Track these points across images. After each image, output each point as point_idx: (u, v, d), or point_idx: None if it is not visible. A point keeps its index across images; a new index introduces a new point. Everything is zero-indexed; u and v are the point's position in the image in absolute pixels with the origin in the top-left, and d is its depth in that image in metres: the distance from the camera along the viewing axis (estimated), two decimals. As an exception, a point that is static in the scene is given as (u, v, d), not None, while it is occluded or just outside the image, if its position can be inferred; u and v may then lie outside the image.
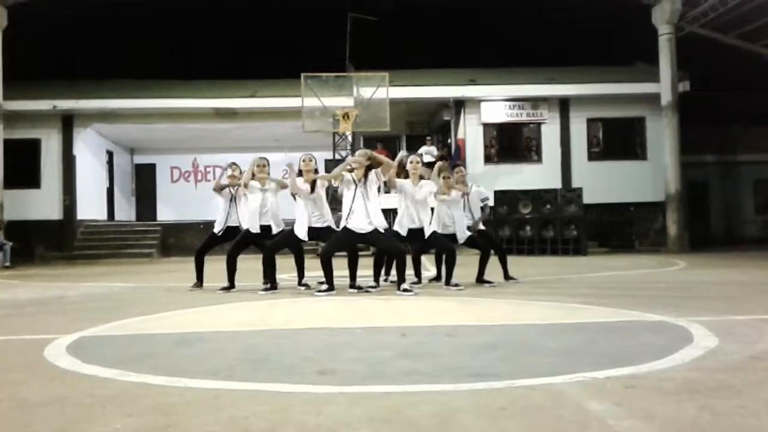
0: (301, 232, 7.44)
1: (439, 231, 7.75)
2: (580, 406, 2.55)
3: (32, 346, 4.13)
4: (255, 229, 7.70)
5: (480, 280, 8.02)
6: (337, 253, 7.32)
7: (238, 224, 8.13)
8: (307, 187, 7.39)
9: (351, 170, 7.14)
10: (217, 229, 8.18)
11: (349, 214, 7.05)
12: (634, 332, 4.33)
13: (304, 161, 7.58)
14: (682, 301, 5.96)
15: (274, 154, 8.18)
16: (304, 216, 7.45)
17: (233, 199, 8.20)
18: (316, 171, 7.63)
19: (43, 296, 7.79)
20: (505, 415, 2.46)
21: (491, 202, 10.32)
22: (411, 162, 7.72)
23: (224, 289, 7.62)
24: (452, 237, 7.89)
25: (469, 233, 7.99)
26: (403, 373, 3.18)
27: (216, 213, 8.34)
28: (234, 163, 8.47)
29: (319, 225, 7.47)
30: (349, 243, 7.36)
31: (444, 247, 7.72)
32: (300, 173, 7.52)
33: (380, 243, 7.26)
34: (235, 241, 7.96)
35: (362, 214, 7.01)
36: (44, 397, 2.85)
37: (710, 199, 22.39)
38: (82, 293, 8.10)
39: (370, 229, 7.01)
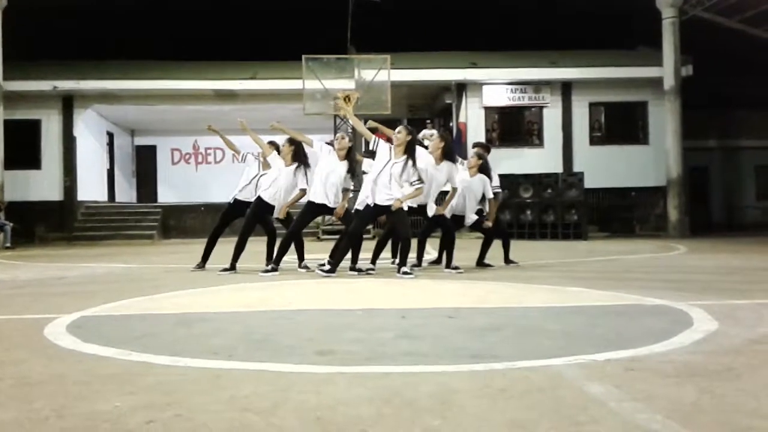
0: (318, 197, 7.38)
1: (448, 213, 7.75)
2: (580, 388, 2.55)
3: (33, 325, 4.14)
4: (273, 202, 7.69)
5: (480, 263, 8.03)
6: (329, 237, 7.30)
7: (251, 199, 8.02)
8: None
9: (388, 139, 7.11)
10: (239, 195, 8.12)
11: (373, 187, 6.98)
12: (634, 316, 4.34)
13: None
14: (682, 285, 5.97)
15: (278, 137, 8.09)
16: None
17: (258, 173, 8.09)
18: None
19: (43, 276, 7.80)
20: (504, 397, 2.46)
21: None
22: (432, 140, 7.63)
23: (225, 270, 7.62)
24: (461, 219, 7.88)
25: (476, 217, 7.95)
26: (403, 354, 3.18)
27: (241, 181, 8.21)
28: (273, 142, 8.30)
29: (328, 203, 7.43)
30: (374, 217, 7.39)
31: (444, 228, 7.70)
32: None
33: (395, 218, 7.16)
34: (249, 217, 7.82)
35: (385, 188, 6.95)
36: (45, 376, 2.86)
37: (711, 185, 22.36)
38: (82, 274, 8.11)
39: (390, 203, 6.97)
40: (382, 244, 7.85)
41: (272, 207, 7.74)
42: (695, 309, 4.40)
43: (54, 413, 2.33)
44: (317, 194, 7.33)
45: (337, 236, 7.77)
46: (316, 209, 7.47)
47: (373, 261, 7.59)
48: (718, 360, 2.99)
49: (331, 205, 7.37)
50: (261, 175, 7.98)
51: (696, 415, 2.23)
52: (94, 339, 3.63)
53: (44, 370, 2.95)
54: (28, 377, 2.84)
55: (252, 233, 7.82)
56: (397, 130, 7.13)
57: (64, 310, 4.72)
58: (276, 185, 7.69)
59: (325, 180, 7.30)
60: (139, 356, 3.17)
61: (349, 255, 7.36)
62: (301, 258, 7.99)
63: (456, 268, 7.44)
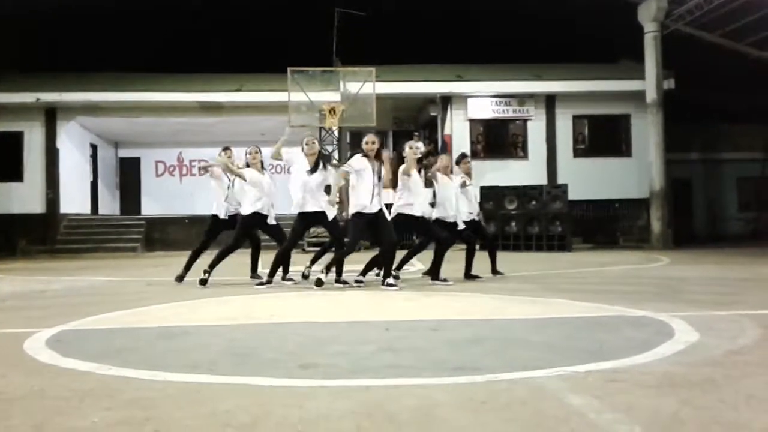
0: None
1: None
2: (561, 400, 2.56)
3: (12, 339, 4.08)
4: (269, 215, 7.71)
5: (468, 275, 8.01)
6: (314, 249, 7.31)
7: (236, 212, 8.00)
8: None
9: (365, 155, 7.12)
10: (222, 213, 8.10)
11: (372, 199, 6.99)
12: (616, 327, 4.35)
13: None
14: (664, 297, 6.01)
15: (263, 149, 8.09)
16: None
17: (231, 185, 8.07)
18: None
19: (24, 290, 7.71)
20: (486, 409, 2.46)
21: (477, 197, 10.31)
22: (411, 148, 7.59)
23: (203, 282, 7.50)
24: (455, 225, 7.94)
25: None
26: (385, 367, 3.18)
27: (215, 198, 8.19)
28: (228, 148, 8.30)
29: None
30: (366, 228, 7.42)
31: (436, 237, 7.69)
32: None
33: (383, 225, 7.16)
34: (239, 233, 7.79)
35: (377, 197, 7.04)
36: (23, 391, 2.82)
37: (694, 197, 22.54)
38: (64, 287, 8.03)
39: (377, 209, 7.05)
40: (377, 259, 7.80)
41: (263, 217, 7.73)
42: (677, 320, 4.42)
43: (32, 430, 2.30)
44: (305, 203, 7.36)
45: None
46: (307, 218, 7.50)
47: (363, 273, 7.53)
48: (699, 371, 3.01)
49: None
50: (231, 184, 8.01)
51: (676, 427, 2.24)
52: (74, 353, 3.59)
53: (23, 386, 2.92)
54: (5, 393, 2.80)
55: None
56: (368, 135, 7.28)
57: (45, 324, 4.67)
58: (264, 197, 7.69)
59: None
60: (118, 371, 3.14)
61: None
62: (285, 271, 7.93)
63: (444, 280, 7.43)
